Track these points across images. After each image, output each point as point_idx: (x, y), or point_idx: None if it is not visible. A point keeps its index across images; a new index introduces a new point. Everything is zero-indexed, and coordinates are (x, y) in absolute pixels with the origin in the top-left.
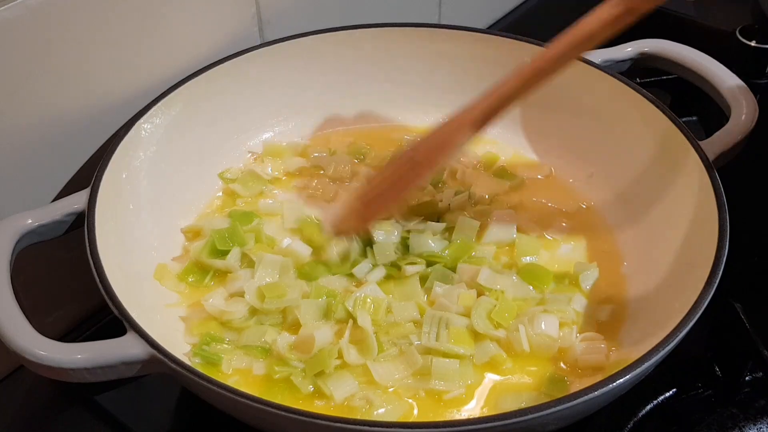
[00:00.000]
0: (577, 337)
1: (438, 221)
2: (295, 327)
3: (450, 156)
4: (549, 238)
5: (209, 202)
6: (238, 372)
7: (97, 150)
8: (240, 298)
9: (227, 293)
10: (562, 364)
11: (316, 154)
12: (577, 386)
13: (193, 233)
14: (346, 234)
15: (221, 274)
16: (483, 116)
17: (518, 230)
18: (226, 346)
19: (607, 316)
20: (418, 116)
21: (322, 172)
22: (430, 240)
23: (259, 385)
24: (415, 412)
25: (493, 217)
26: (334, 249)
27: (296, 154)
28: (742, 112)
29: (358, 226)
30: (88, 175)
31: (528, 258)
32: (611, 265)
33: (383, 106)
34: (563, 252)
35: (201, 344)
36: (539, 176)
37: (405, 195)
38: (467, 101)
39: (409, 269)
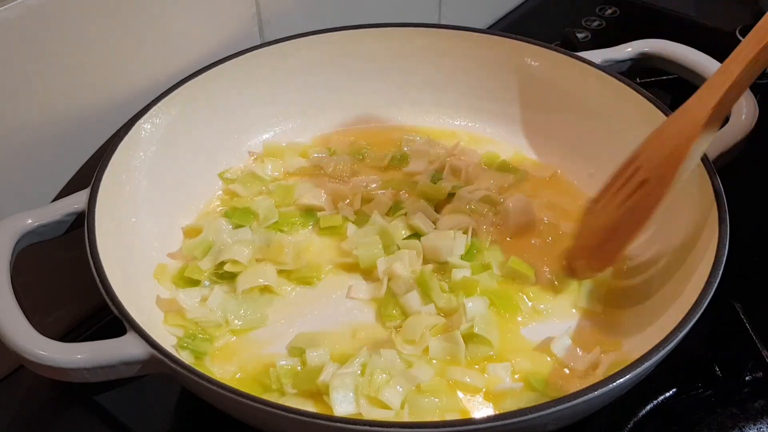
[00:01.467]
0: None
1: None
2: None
3: (687, 168)
4: (561, 224)
5: (209, 202)
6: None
7: (97, 150)
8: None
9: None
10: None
11: (317, 155)
12: (577, 386)
13: (193, 233)
14: (584, 277)
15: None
16: (716, 112)
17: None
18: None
19: (606, 315)
20: (418, 116)
21: (321, 171)
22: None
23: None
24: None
25: (509, 203)
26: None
27: (296, 154)
28: (742, 112)
29: (597, 268)
30: (88, 175)
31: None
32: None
33: (383, 106)
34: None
35: (186, 337)
36: (542, 176)
37: (647, 224)
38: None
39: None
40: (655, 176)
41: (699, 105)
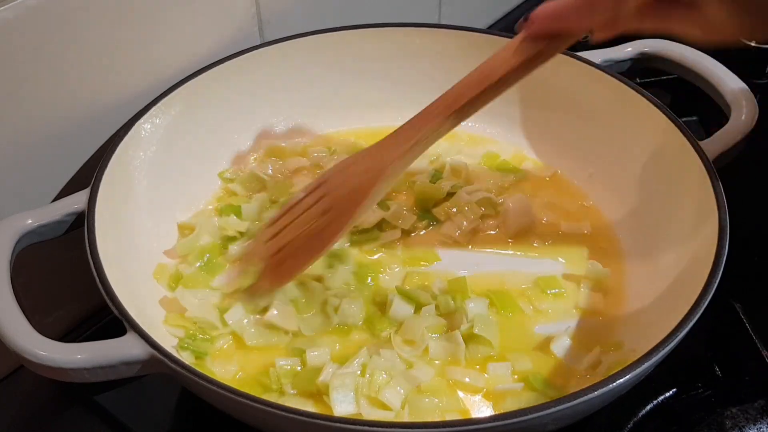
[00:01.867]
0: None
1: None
2: None
3: (368, 206)
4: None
5: (209, 202)
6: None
7: (97, 150)
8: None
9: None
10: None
11: (316, 154)
12: (577, 386)
13: (187, 230)
14: (259, 295)
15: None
16: (404, 157)
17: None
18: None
19: (606, 315)
20: None
21: (321, 170)
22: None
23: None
24: None
25: (509, 204)
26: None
27: (296, 153)
28: (742, 112)
29: (270, 287)
30: (88, 175)
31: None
32: (612, 265)
33: (383, 106)
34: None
35: (186, 338)
36: (542, 176)
37: (321, 255)
38: None
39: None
40: (338, 208)
41: (390, 147)
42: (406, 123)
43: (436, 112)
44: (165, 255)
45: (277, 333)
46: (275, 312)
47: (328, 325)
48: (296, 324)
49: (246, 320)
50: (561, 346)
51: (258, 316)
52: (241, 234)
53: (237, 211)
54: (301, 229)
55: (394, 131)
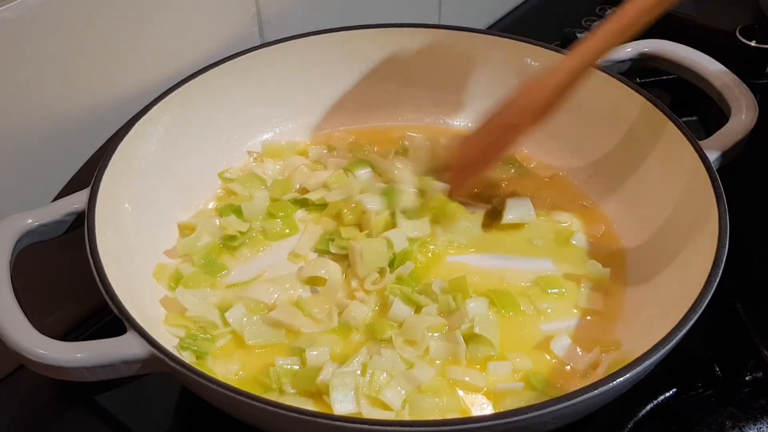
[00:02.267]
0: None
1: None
2: None
3: (545, 118)
4: (562, 224)
5: (209, 202)
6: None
7: (97, 150)
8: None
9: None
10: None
11: (316, 152)
12: (577, 386)
13: (187, 230)
14: (456, 198)
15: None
16: (573, 72)
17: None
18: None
19: (606, 315)
20: (418, 116)
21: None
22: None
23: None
24: None
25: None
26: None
27: (295, 153)
28: (742, 112)
29: (461, 186)
30: (88, 175)
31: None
32: (612, 265)
33: (383, 106)
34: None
35: (186, 337)
36: (542, 175)
37: (498, 158)
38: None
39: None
40: (518, 119)
41: (563, 64)
42: (577, 47)
43: (611, 21)
44: (165, 255)
45: (277, 332)
46: (279, 310)
47: (329, 325)
48: (299, 322)
49: (246, 319)
50: (561, 345)
51: (257, 317)
52: (242, 233)
53: (237, 211)
54: (482, 139)
55: (568, 54)
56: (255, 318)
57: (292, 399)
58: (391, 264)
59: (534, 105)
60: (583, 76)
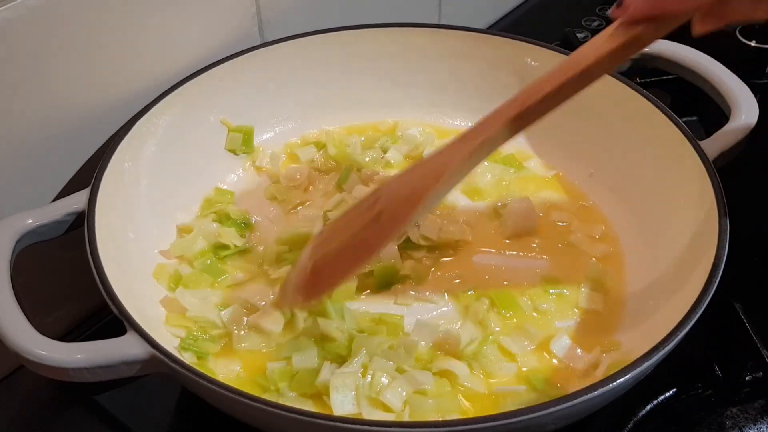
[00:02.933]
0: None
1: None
2: None
3: (421, 211)
4: (561, 224)
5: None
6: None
7: (97, 150)
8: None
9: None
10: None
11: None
12: (577, 386)
13: (185, 232)
14: (293, 307)
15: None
16: (460, 163)
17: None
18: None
19: (606, 315)
20: (418, 116)
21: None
22: None
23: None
24: None
25: (513, 205)
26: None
27: (295, 152)
28: (742, 112)
29: (307, 298)
30: (88, 175)
31: None
32: (612, 265)
33: (383, 106)
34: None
35: (187, 338)
36: (543, 175)
37: (366, 262)
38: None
39: None
40: (388, 213)
41: (450, 152)
42: (473, 126)
43: (505, 111)
44: (161, 255)
45: (266, 338)
46: (263, 314)
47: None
48: (281, 327)
49: (235, 323)
50: (561, 345)
51: (247, 320)
52: (236, 246)
53: (241, 229)
54: (347, 235)
55: (459, 135)
56: (245, 321)
57: (292, 400)
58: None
59: (404, 193)
60: (486, 155)
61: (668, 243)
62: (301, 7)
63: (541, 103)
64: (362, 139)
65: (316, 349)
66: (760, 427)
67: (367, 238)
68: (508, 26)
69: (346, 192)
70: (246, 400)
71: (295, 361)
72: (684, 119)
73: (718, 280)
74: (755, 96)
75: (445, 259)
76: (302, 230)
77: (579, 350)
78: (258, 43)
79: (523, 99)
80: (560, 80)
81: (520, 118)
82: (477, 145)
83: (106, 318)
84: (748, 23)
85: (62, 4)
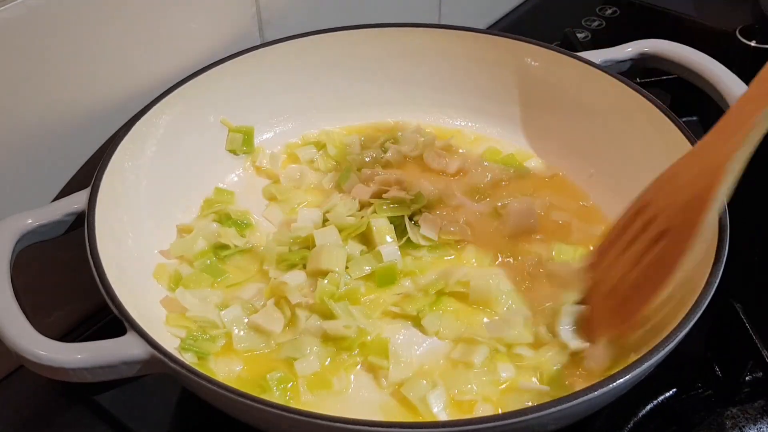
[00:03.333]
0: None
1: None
2: None
3: (714, 214)
4: (560, 222)
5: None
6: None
7: (97, 150)
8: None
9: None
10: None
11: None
12: (577, 386)
13: (186, 232)
14: (607, 338)
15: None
16: (736, 152)
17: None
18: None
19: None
20: (418, 116)
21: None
22: None
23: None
24: None
25: (513, 205)
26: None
27: (295, 152)
28: None
29: (619, 330)
30: (88, 175)
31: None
32: None
33: (383, 106)
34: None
35: (187, 338)
36: (542, 175)
37: (672, 279)
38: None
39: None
40: (677, 226)
41: (721, 140)
42: (732, 108)
43: (754, 103)
44: (161, 255)
45: (266, 338)
46: (261, 314)
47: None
48: (281, 327)
49: (236, 323)
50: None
51: (247, 320)
52: (236, 246)
53: (241, 229)
54: (633, 262)
55: (720, 121)
56: (245, 321)
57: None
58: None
59: (685, 201)
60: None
61: None
62: (301, 7)
63: None
64: (362, 139)
65: (318, 353)
66: (760, 427)
67: (661, 257)
68: (508, 26)
69: (346, 192)
70: (246, 400)
71: (299, 369)
72: (684, 119)
73: (718, 280)
74: None
75: (447, 258)
76: (302, 230)
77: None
78: (258, 43)
79: None
80: None
81: None
82: (750, 126)
83: (106, 318)
84: None
85: (62, 4)
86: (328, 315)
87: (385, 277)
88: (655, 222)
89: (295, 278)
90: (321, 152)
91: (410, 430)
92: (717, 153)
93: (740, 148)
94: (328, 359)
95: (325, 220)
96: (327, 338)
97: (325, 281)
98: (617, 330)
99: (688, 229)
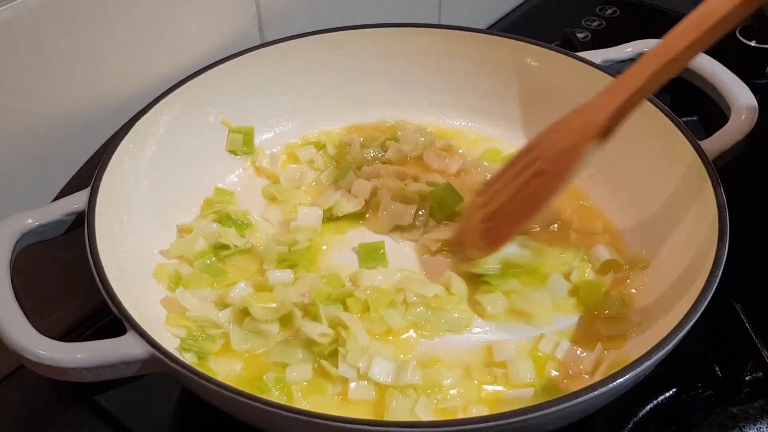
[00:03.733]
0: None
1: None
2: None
3: (582, 164)
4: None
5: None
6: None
7: (97, 150)
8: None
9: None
10: (554, 372)
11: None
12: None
13: (186, 232)
14: (472, 258)
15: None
16: (615, 115)
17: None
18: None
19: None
20: (418, 116)
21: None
22: None
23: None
24: None
25: None
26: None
27: (295, 152)
28: (742, 112)
29: (484, 249)
30: (88, 175)
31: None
32: (612, 265)
33: (383, 106)
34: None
35: (187, 338)
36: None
37: (536, 213)
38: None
39: None
40: (552, 169)
41: (601, 105)
42: (622, 74)
43: (654, 59)
44: (161, 255)
45: (264, 339)
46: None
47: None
48: (278, 328)
49: (233, 324)
50: (561, 346)
51: (247, 320)
52: (236, 246)
53: (241, 229)
54: (511, 193)
55: (609, 84)
56: (245, 321)
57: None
58: None
59: (562, 148)
60: (637, 105)
61: (668, 243)
62: (301, 8)
63: (685, 50)
64: (362, 139)
65: (309, 361)
66: (760, 427)
67: (533, 192)
68: (508, 26)
69: (344, 188)
70: (246, 400)
71: (289, 377)
72: (684, 119)
73: (718, 280)
74: (755, 96)
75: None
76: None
77: (579, 350)
78: (258, 43)
79: (667, 46)
80: (698, 32)
81: (671, 62)
82: (631, 92)
83: (106, 318)
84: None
85: (62, 4)
86: (318, 317)
87: (368, 254)
88: (536, 162)
89: (283, 276)
90: (321, 152)
91: (410, 430)
92: (599, 109)
93: (616, 111)
94: (315, 364)
95: (325, 219)
96: (309, 342)
97: (324, 281)
98: (482, 251)
99: (558, 173)
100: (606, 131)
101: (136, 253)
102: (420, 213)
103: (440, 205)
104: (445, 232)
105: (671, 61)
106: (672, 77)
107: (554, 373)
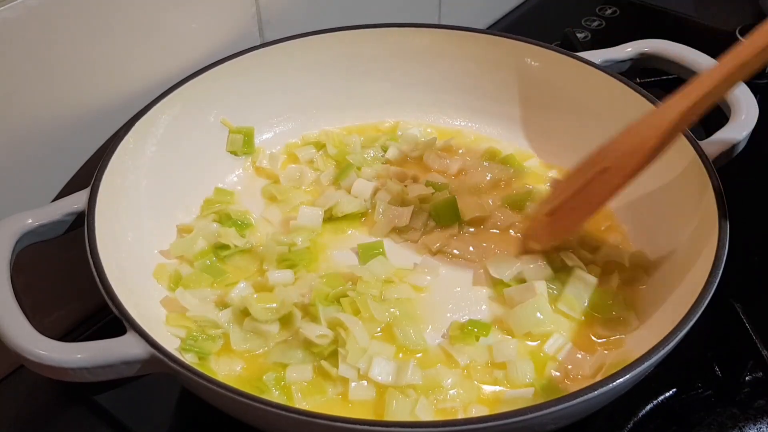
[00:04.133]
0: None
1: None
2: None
3: (647, 164)
4: None
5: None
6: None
7: (97, 150)
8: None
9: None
10: (554, 373)
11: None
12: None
13: (186, 232)
14: (534, 251)
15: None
16: (681, 119)
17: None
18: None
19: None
20: (418, 116)
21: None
22: None
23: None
24: None
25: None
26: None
27: (295, 152)
28: (742, 112)
29: (547, 241)
30: (88, 175)
31: None
32: (611, 266)
33: (383, 106)
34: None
35: (187, 338)
36: (542, 176)
37: (599, 209)
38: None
39: None
40: (616, 166)
41: (673, 104)
42: (697, 78)
43: (723, 66)
44: (161, 255)
45: (264, 340)
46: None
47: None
48: (277, 328)
49: (232, 324)
50: (562, 347)
51: (246, 320)
52: (236, 246)
53: (241, 229)
54: (575, 189)
55: (681, 89)
56: (245, 321)
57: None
58: None
59: (629, 147)
60: (692, 120)
61: (668, 243)
62: (301, 7)
63: (758, 56)
64: (362, 139)
65: (309, 361)
66: (760, 427)
67: (596, 189)
68: (508, 26)
69: (344, 188)
70: (246, 400)
71: (289, 377)
72: None
73: (718, 280)
74: (755, 96)
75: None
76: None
77: (580, 354)
78: (258, 43)
79: (741, 52)
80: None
81: (739, 69)
82: (698, 97)
83: (106, 318)
84: None
85: (62, 4)
86: (317, 318)
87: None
88: (602, 162)
89: (283, 276)
90: (321, 152)
91: (410, 430)
92: (667, 113)
93: (684, 115)
94: (315, 364)
95: (325, 219)
96: (309, 343)
97: (323, 281)
98: (546, 243)
99: (623, 170)
100: (670, 134)
101: (136, 253)
102: (420, 215)
103: (438, 217)
104: (445, 234)
105: (743, 64)
106: (744, 78)
107: (554, 373)
